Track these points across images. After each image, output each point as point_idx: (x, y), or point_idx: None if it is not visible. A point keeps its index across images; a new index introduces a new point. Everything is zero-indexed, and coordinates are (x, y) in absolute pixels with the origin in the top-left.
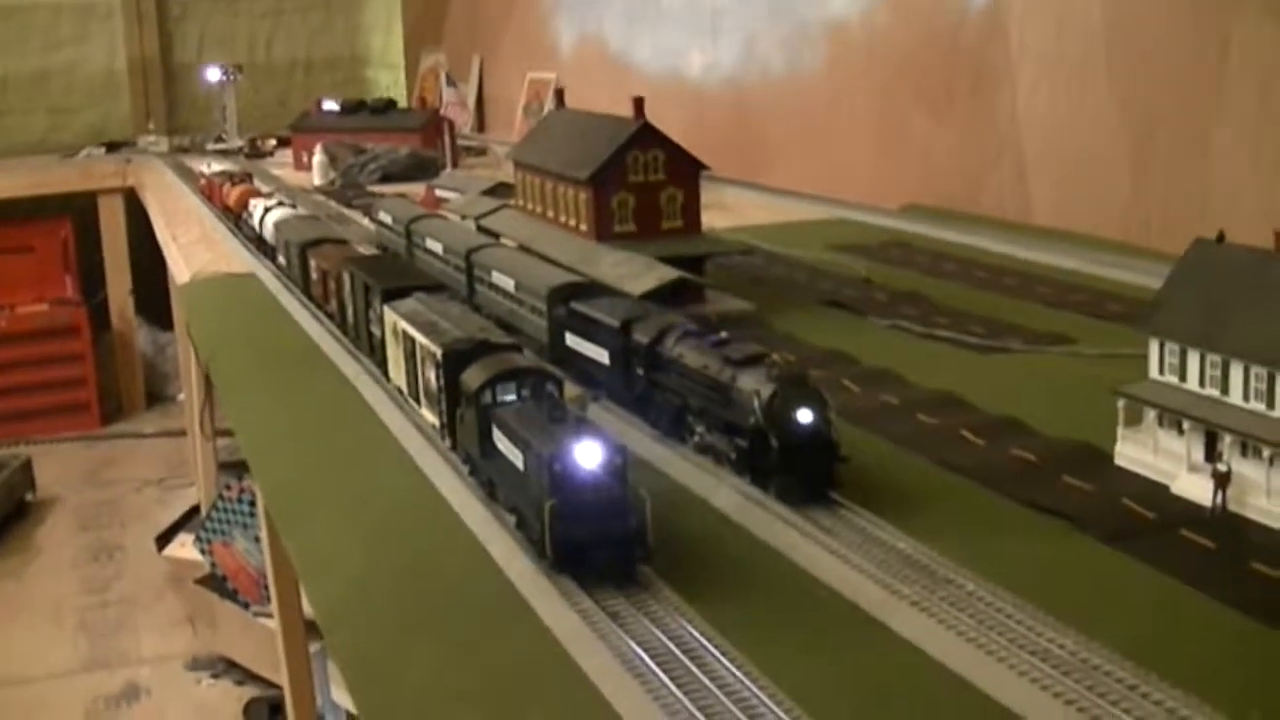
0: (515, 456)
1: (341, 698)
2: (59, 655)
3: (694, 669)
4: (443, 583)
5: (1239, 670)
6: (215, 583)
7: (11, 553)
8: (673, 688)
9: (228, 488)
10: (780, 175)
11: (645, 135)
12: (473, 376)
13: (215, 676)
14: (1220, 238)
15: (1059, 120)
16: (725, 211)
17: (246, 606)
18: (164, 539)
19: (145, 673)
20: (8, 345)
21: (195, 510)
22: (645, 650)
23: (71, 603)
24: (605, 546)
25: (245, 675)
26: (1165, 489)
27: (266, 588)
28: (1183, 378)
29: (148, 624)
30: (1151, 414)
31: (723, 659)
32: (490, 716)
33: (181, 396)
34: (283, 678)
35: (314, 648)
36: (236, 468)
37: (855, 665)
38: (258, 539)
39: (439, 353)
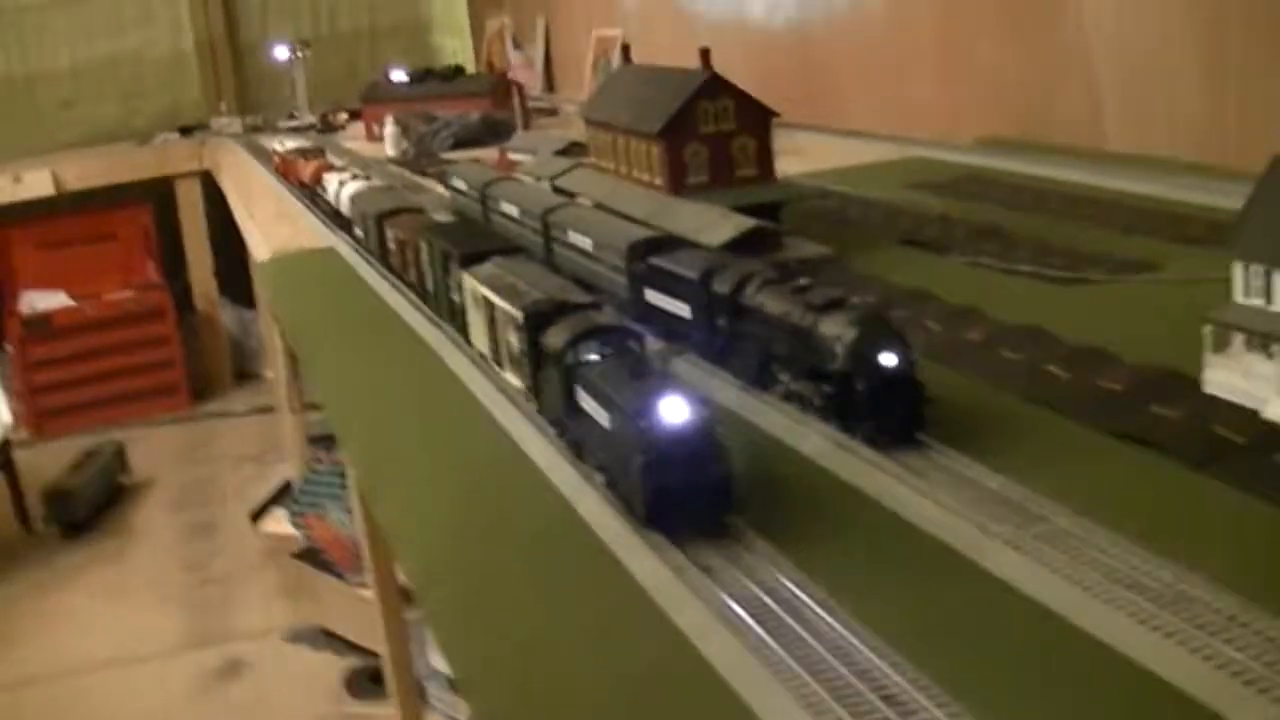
0: (601, 415)
1: (441, 663)
2: (162, 634)
3: (789, 620)
4: (533, 542)
5: None
6: (311, 555)
7: (110, 536)
8: (768, 639)
9: (318, 460)
10: (849, 117)
11: (713, 85)
12: (554, 337)
13: (316, 648)
14: None
15: (1126, 30)
16: (798, 157)
17: (342, 577)
18: (258, 515)
19: (247, 647)
20: (95, 332)
21: (287, 485)
22: (739, 603)
23: (172, 582)
24: (695, 499)
25: (345, 645)
26: (1256, 414)
27: (361, 557)
28: (1269, 299)
29: (247, 599)
30: (1239, 338)
31: (818, 608)
32: (583, 669)
33: (270, 373)
34: (381, 646)
35: (411, 615)
36: (326, 441)
37: (951, 607)
38: (350, 509)
39: (520, 315)
